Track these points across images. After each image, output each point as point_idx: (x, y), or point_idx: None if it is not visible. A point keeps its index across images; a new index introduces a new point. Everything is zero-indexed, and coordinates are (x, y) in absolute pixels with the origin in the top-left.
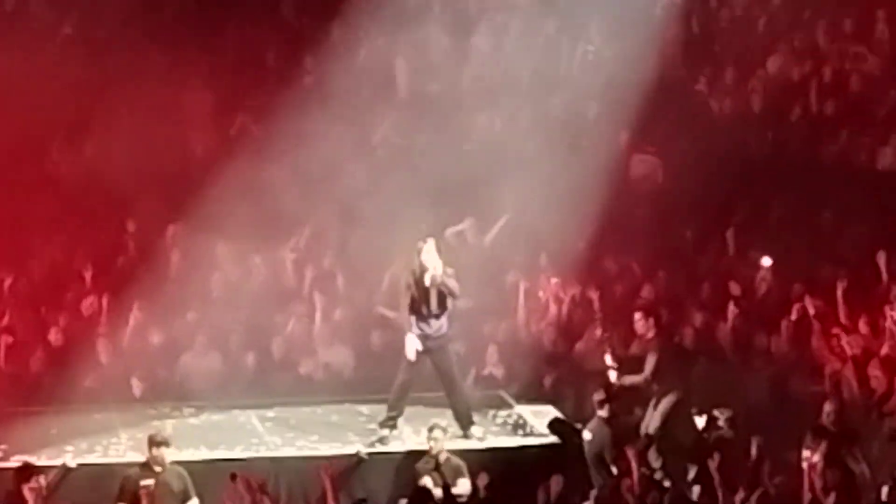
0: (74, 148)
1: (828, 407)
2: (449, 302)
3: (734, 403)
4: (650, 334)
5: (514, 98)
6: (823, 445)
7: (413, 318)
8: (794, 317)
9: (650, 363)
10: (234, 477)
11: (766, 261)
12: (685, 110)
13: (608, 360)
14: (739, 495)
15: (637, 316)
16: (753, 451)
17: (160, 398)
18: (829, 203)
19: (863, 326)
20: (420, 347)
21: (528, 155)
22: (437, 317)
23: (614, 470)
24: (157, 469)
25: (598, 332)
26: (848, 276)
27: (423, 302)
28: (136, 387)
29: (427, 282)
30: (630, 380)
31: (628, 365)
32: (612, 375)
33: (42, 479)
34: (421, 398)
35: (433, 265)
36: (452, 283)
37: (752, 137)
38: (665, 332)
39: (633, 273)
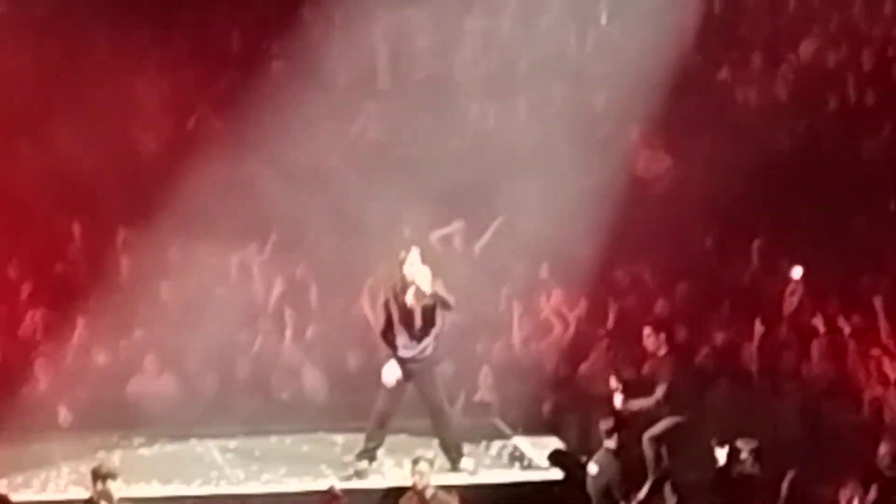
0: (9, 144)
1: (884, 448)
2: (438, 318)
3: (760, 434)
4: (662, 351)
5: (510, 87)
6: (874, 491)
7: (392, 340)
8: (827, 335)
9: (662, 385)
10: None
11: (797, 272)
12: (705, 102)
13: (613, 382)
14: None
15: (647, 331)
16: (783, 488)
17: (106, 426)
18: (868, 206)
19: None
20: (400, 374)
21: (527, 151)
22: (421, 338)
23: None
24: None
25: (604, 349)
26: (889, 288)
27: (404, 321)
28: (79, 413)
29: (410, 300)
30: (638, 404)
31: (637, 388)
32: (617, 400)
33: None
34: (404, 427)
35: (417, 279)
36: (444, 294)
37: (782, 132)
38: (679, 350)
39: (645, 286)
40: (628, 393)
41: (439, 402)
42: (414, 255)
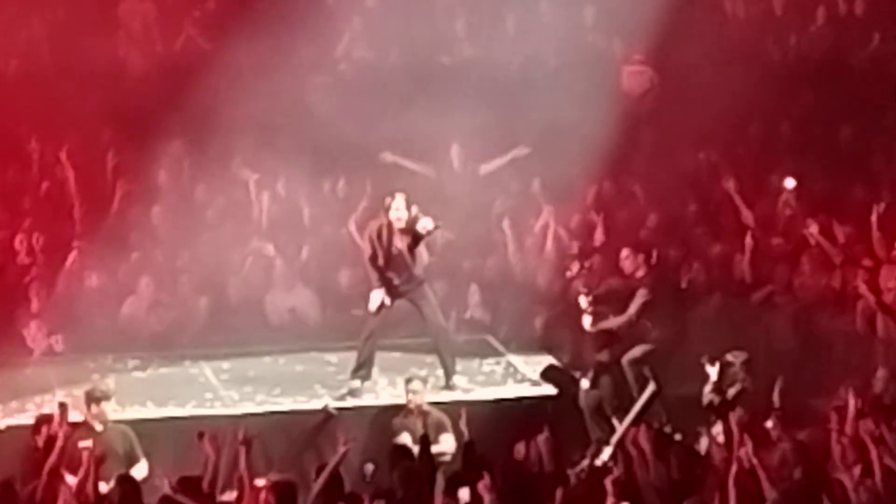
0: None
1: (881, 373)
2: (423, 251)
3: (752, 346)
4: (640, 273)
5: (496, 2)
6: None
7: (378, 273)
8: (819, 246)
9: (637, 302)
10: (201, 436)
11: (790, 182)
12: (693, 13)
13: (583, 302)
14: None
15: (624, 253)
16: (776, 399)
17: (100, 349)
18: (859, 117)
19: None
20: (387, 300)
21: (514, 68)
22: (406, 271)
23: (616, 423)
24: (98, 428)
25: (575, 267)
26: (880, 199)
27: (391, 263)
28: (73, 337)
29: (397, 244)
30: (609, 324)
31: (610, 304)
32: (586, 322)
33: None
34: (398, 345)
35: (402, 225)
36: (423, 253)
37: (771, 44)
38: (658, 270)
39: (636, 200)
40: (598, 313)
41: (435, 318)
42: (399, 200)
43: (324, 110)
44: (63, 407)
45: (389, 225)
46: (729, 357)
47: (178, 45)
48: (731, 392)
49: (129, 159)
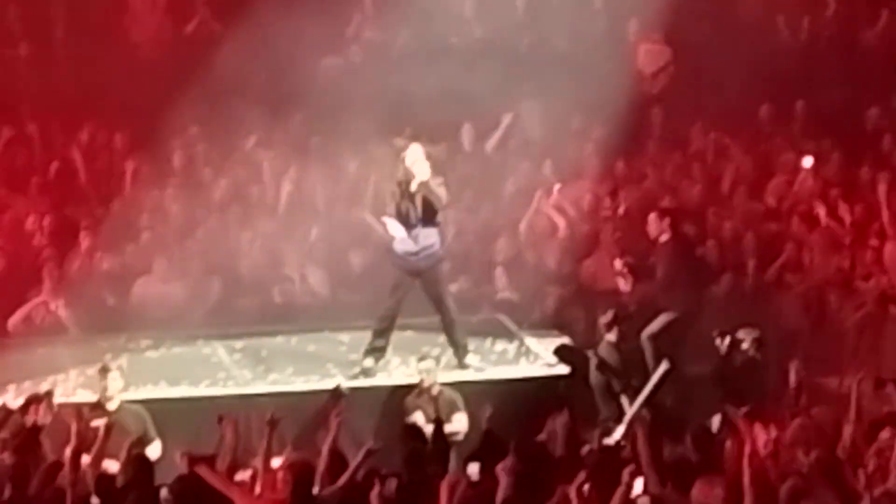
0: (7, 50)
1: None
2: (439, 215)
3: (763, 324)
4: (664, 237)
5: None
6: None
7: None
8: (829, 226)
9: (662, 269)
10: (220, 419)
11: (808, 161)
12: None
13: (618, 264)
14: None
15: (651, 216)
16: (791, 377)
17: (113, 329)
18: (870, 96)
19: None
20: (405, 234)
21: (524, 49)
22: (426, 229)
23: (624, 401)
24: (110, 407)
25: (608, 242)
26: (890, 178)
27: (410, 212)
28: (86, 317)
29: (413, 188)
30: (642, 288)
31: (641, 273)
32: (623, 284)
33: None
34: (410, 324)
35: (419, 171)
36: (440, 191)
37: (782, 23)
38: (682, 237)
39: (648, 180)
40: (635, 276)
41: (444, 299)
42: (415, 149)
43: (335, 91)
44: (49, 394)
45: (406, 172)
46: (740, 334)
47: (191, 27)
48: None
49: (141, 141)
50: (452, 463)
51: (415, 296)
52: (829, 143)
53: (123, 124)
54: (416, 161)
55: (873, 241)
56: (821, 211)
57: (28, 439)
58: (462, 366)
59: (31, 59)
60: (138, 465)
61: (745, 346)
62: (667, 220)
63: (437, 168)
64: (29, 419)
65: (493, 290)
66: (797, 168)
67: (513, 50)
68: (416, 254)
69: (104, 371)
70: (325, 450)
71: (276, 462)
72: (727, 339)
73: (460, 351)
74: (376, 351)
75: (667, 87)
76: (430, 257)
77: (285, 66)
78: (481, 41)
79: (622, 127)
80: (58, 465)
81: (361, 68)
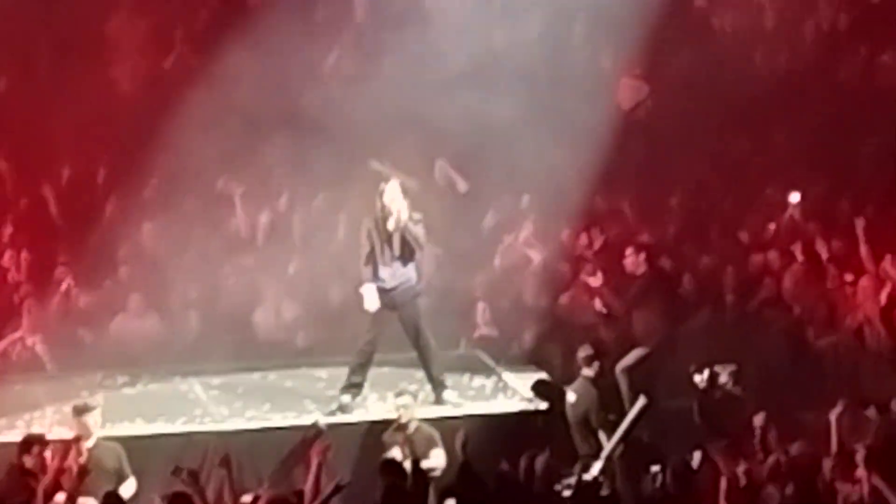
0: None
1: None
2: (417, 252)
3: (741, 359)
4: (640, 271)
5: (486, 19)
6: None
7: (372, 270)
8: (808, 259)
9: (638, 302)
10: (178, 472)
11: (795, 197)
12: (682, 29)
13: (592, 281)
14: (746, 463)
15: (628, 251)
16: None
17: (90, 366)
18: (847, 130)
19: (889, 268)
20: (378, 300)
21: (504, 83)
22: (402, 265)
23: (602, 437)
24: (87, 444)
25: (591, 271)
26: (868, 211)
27: (385, 250)
28: (63, 353)
29: (391, 226)
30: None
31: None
32: (599, 304)
33: None
34: (388, 360)
35: (397, 207)
36: (418, 231)
37: (758, 58)
38: (661, 276)
39: (626, 215)
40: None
41: (422, 333)
42: (393, 185)
43: (314, 124)
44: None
45: (383, 208)
46: (717, 368)
47: (169, 62)
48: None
49: (119, 176)
50: (431, 499)
51: (393, 332)
52: (808, 177)
53: (101, 159)
54: (395, 199)
55: (853, 275)
56: (797, 247)
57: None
58: (439, 401)
59: (11, 94)
60: (110, 503)
61: (723, 379)
62: (643, 255)
63: (416, 203)
64: (28, 460)
65: (470, 326)
66: (776, 202)
67: (492, 82)
68: (393, 289)
69: (85, 410)
70: (308, 486)
71: (246, 498)
72: (705, 373)
73: (437, 387)
74: (353, 387)
75: (645, 121)
76: (406, 291)
77: (263, 101)
78: (460, 74)
79: (601, 161)
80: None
81: (340, 102)
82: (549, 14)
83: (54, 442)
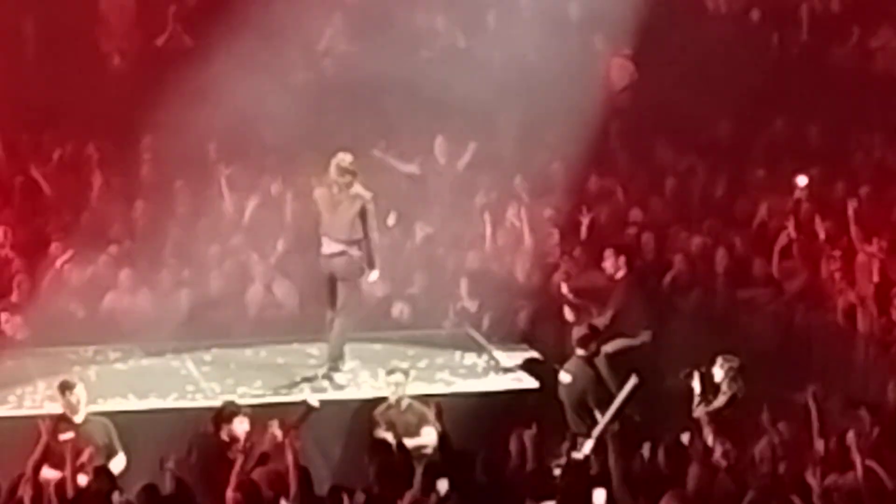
0: None
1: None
2: (370, 231)
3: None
4: (619, 274)
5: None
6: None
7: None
8: (799, 241)
9: (614, 306)
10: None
11: (802, 180)
12: (675, 10)
13: (564, 289)
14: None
15: (606, 253)
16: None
17: (82, 341)
18: (839, 112)
19: (880, 250)
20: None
21: (496, 63)
22: (347, 237)
23: (598, 415)
24: (77, 420)
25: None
26: (860, 194)
27: (332, 218)
28: (54, 328)
29: (340, 198)
30: (595, 322)
31: (591, 298)
32: (568, 314)
33: None
34: (378, 337)
35: (348, 180)
36: (370, 209)
37: (750, 40)
38: (638, 273)
39: (616, 196)
40: (579, 305)
41: (347, 304)
42: (346, 157)
43: (306, 105)
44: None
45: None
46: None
47: (161, 40)
48: (720, 401)
49: (111, 153)
50: (418, 477)
51: (384, 311)
52: (798, 159)
53: (93, 136)
54: (345, 170)
55: (844, 257)
56: (791, 227)
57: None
58: (328, 377)
59: (1, 71)
60: (101, 478)
61: (717, 379)
62: (622, 258)
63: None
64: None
65: (461, 303)
66: (768, 185)
67: (485, 64)
68: (331, 255)
69: (68, 387)
70: (290, 468)
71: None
72: (696, 376)
73: (335, 361)
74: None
75: (636, 101)
76: (348, 258)
77: (255, 80)
78: (452, 55)
79: (592, 141)
80: (20, 478)
81: (333, 82)
82: None
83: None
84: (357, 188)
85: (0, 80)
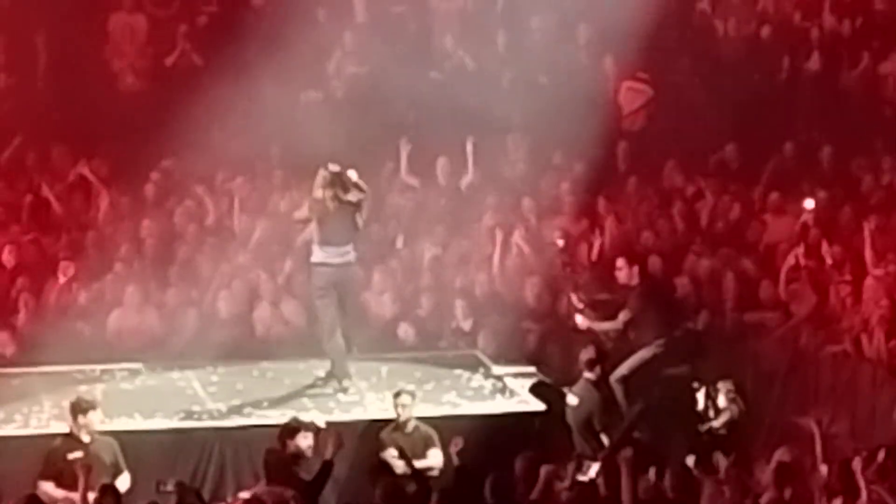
0: None
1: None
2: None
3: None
4: (633, 282)
5: (487, 20)
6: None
7: (316, 246)
8: (809, 266)
9: (626, 311)
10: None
11: (810, 203)
12: (685, 33)
13: (574, 300)
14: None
15: (619, 263)
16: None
17: (87, 360)
18: (850, 136)
19: (887, 274)
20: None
21: (505, 85)
22: (343, 244)
23: (605, 439)
24: (86, 439)
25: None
26: (871, 218)
27: (331, 226)
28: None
29: (332, 204)
30: (602, 326)
31: (602, 310)
32: (580, 320)
33: None
34: (386, 359)
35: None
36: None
37: (761, 63)
38: (649, 283)
39: (626, 218)
40: (593, 313)
41: (349, 311)
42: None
43: (315, 126)
44: None
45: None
46: (719, 385)
47: (171, 59)
48: (721, 421)
49: (119, 172)
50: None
51: (391, 333)
52: (810, 183)
53: (101, 155)
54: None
55: (853, 281)
56: (799, 251)
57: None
58: (342, 389)
59: (12, 89)
60: (107, 497)
61: (721, 400)
62: (635, 268)
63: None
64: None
65: (468, 325)
66: (777, 208)
67: (494, 84)
68: (334, 265)
69: (87, 409)
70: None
71: (244, 494)
72: (702, 392)
73: (339, 372)
74: (335, 373)
75: (646, 125)
76: (346, 266)
77: (265, 100)
78: (462, 76)
79: (601, 164)
80: (33, 499)
81: (342, 102)
82: (552, 16)
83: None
84: (349, 195)
85: (10, 97)
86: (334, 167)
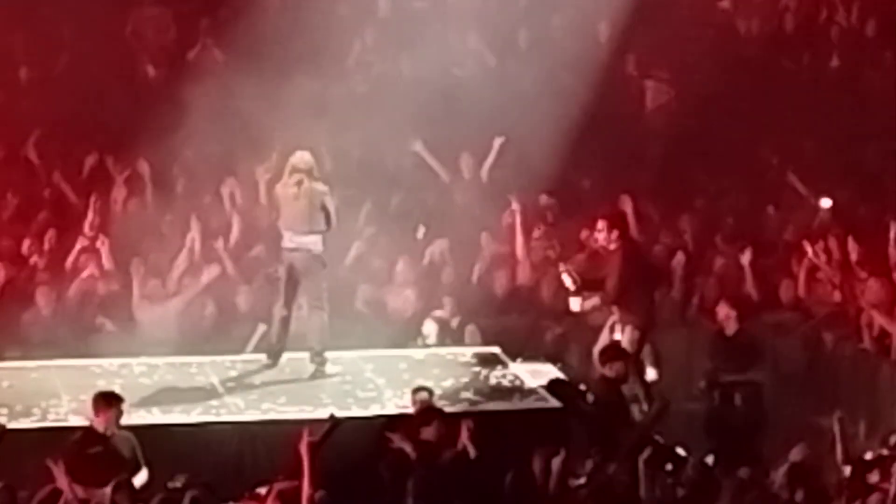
0: (8, 74)
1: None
2: (330, 218)
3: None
4: (612, 246)
5: (509, 16)
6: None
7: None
8: (829, 264)
9: (612, 279)
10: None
11: (826, 202)
12: (707, 31)
13: (568, 281)
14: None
15: (600, 225)
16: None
17: (106, 354)
18: (874, 135)
19: None
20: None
21: (526, 82)
22: (304, 232)
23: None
24: (107, 433)
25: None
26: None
27: (292, 213)
28: (79, 341)
29: (295, 191)
30: (591, 303)
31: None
32: (575, 304)
33: None
34: (403, 356)
35: (304, 175)
36: (329, 202)
37: (783, 62)
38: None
39: (647, 215)
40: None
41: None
42: (305, 155)
43: (336, 120)
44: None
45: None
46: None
47: (193, 54)
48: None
49: (140, 165)
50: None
51: (412, 330)
52: (832, 182)
53: (122, 149)
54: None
55: (877, 281)
56: (819, 249)
57: None
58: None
59: (32, 84)
60: (123, 492)
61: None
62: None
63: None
64: None
65: (486, 322)
66: (798, 206)
67: (516, 82)
68: (296, 249)
69: (115, 401)
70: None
71: (262, 490)
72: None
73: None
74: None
75: (667, 122)
76: (309, 254)
77: (285, 94)
78: (483, 73)
79: (622, 162)
80: (56, 493)
81: (363, 97)
82: (574, 14)
83: None
84: (314, 184)
85: (33, 94)
86: (304, 154)
